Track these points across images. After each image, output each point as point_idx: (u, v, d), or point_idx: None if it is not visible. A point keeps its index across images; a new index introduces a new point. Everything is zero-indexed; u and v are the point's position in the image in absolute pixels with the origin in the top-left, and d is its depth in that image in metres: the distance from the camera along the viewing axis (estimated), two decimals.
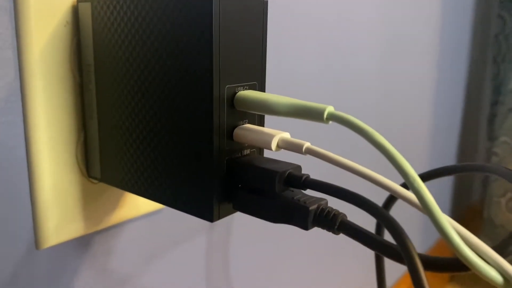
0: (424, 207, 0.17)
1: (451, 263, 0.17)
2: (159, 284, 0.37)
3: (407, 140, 0.78)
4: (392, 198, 0.26)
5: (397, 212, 0.33)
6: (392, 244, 0.18)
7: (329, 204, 0.21)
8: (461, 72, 0.95)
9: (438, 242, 0.99)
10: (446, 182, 0.99)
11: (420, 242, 0.91)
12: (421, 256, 0.17)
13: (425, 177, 0.24)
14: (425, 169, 0.79)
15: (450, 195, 1.02)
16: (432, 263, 0.17)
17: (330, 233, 0.60)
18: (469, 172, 0.24)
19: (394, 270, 0.82)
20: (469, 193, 1.14)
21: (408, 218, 0.79)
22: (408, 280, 0.83)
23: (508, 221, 0.92)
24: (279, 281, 0.52)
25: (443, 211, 0.98)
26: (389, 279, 0.81)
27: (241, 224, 0.44)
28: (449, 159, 0.97)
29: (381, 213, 0.18)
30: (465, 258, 0.17)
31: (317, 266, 0.59)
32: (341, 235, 0.21)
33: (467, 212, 1.12)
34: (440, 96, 0.86)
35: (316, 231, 0.56)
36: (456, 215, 1.07)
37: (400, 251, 0.17)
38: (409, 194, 0.18)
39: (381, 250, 0.18)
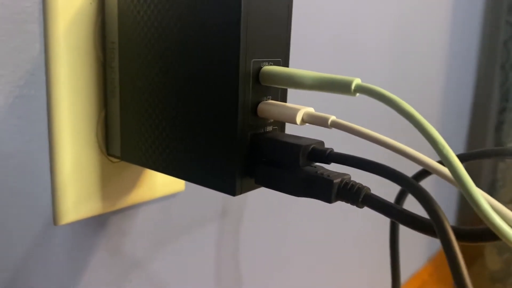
0: (457, 179, 0.17)
1: (482, 233, 0.17)
2: (169, 269, 0.37)
3: (413, 147, 0.78)
4: (422, 173, 0.26)
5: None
6: (421, 216, 0.18)
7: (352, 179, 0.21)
8: (469, 78, 0.96)
9: None
10: (453, 187, 0.98)
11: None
12: (453, 228, 0.17)
13: (461, 157, 0.24)
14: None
15: (457, 200, 1.02)
16: (464, 234, 0.17)
17: (340, 221, 0.59)
18: (500, 157, 0.24)
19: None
20: None
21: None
22: (417, 281, 0.83)
23: None
24: (288, 270, 0.52)
25: (450, 216, 0.98)
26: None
27: (252, 214, 0.44)
28: None
29: (412, 183, 0.18)
30: (495, 226, 0.17)
31: (327, 257, 0.59)
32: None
33: (474, 218, 1.12)
34: (447, 102, 0.86)
35: (328, 221, 0.56)
36: (463, 221, 1.06)
37: (432, 222, 0.17)
38: (442, 167, 0.18)
39: (409, 222, 0.18)
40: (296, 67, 0.45)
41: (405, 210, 0.19)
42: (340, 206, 0.45)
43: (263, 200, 0.45)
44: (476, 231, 0.17)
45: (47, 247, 0.28)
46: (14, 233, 0.26)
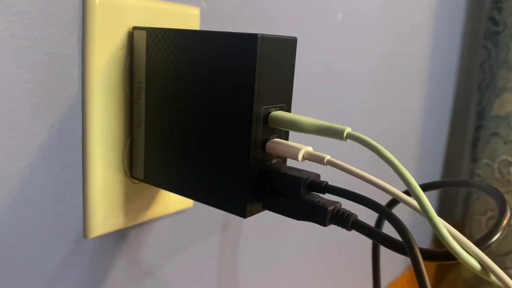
0: (423, 210, 0.22)
1: (443, 254, 0.22)
2: (177, 275, 0.41)
3: (400, 157, 0.84)
4: (393, 202, 0.31)
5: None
6: (397, 240, 0.23)
7: (342, 206, 0.26)
8: (449, 97, 1.02)
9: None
10: (430, 199, 1.04)
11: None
12: (420, 249, 0.22)
13: (423, 187, 0.30)
14: None
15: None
16: (429, 254, 0.22)
17: (331, 235, 0.64)
18: (462, 187, 0.29)
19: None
20: (452, 211, 1.20)
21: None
22: (401, 281, 0.88)
23: None
24: (282, 277, 0.57)
25: (426, 227, 1.04)
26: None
27: (250, 227, 0.49)
28: (435, 179, 1.03)
29: (388, 213, 0.23)
30: (453, 250, 0.22)
31: (318, 267, 0.64)
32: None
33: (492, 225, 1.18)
34: (427, 120, 0.92)
35: (318, 235, 0.61)
36: None
37: (404, 244, 0.22)
38: (411, 200, 0.23)
39: (388, 244, 0.23)
40: (295, 97, 0.50)
41: (385, 234, 0.24)
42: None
43: (260, 215, 0.50)
44: (438, 252, 0.22)
45: (78, 256, 0.32)
46: (52, 244, 0.31)
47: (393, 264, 0.90)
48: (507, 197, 0.90)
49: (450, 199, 1.17)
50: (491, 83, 0.95)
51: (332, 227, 0.28)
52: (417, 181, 0.22)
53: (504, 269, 0.95)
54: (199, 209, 0.41)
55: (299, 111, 0.52)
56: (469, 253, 0.22)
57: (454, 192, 1.16)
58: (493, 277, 0.22)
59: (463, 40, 1.01)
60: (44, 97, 0.29)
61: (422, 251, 0.22)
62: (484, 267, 0.22)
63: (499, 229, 0.23)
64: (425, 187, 0.30)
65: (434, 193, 1.05)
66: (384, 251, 0.70)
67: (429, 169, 0.99)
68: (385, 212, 0.23)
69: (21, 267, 0.29)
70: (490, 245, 0.23)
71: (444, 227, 0.22)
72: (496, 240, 0.23)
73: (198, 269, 0.44)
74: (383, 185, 0.24)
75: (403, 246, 0.22)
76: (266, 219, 0.51)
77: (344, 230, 0.25)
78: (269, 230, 0.53)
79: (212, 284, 0.46)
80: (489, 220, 0.97)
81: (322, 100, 0.57)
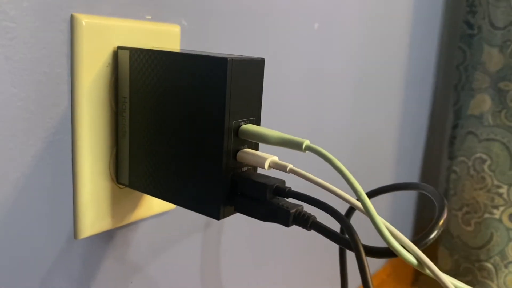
0: (367, 212, 0.25)
1: (385, 251, 0.26)
2: (163, 271, 0.45)
3: (377, 159, 0.88)
4: (352, 209, 0.35)
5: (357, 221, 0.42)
6: (347, 238, 0.27)
7: (304, 209, 0.30)
8: (427, 98, 1.06)
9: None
10: (411, 198, 1.09)
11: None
12: (364, 246, 0.26)
13: (370, 194, 0.33)
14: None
15: (414, 209, 1.13)
16: (371, 251, 0.26)
17: (305, 231, 0.68)
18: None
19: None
20: (433, 207, 1.25)
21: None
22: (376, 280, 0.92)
23: (463, 233, 1.02)
24: (262, 271, 0.60)
25: (407, 223, 1.08)
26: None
27: (229, 227, 0.52)
28: (413, 177, 1.07)
29: (338, 215, 0.26)
30: (393, 247, 0.25)
31: (295, 262, 0.68)
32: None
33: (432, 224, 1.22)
34: (406, 119, 0.96)
35: (298, 233, 0.65)
36: (420, 227, 1.17)
37: (350, 242, 0.25)
38: (358, 203, 0.27)
39: (338, 241, 0.27)
40: (277, 97, 0.53)
41: (337, 233, 0.27)
42: None
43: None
44: (380, 249, 0.26)
45: (70, 256, 0.36)
46: (45, 245, 0.34)
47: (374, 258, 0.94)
48: (481, 193, 0.94)
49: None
50: (467, 84, 1.00)
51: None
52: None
53: (478, 261, 0.99)
54: (181, 210, 0.45)
55: (279, 116, 0.55)
56: (407, 250, 0.26)
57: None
58: (427, 270, 0.25)
59: (440, 42, 1.05)
60: (37, 112, 0.32)
61: (366, 247, 0.25)
62: (420, 262, 0.25)
63: (436, 228, 0.27)
64: (376, 192, 0.34)
65: (414, 192, 1.09)
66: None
67: (407, 167, 1.03)
68: (335, 213, 0.27)
69: (17, 266, 0.33)
70: (427, 243, 0.26)
71: (385, 227, 0.25)
72: (433, 238, 0.27)
73: (182, 265, 0.47)
74: (336, 190, 0.27)
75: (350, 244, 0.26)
76: (246, 218, 0.54)
77: None
78: (249, 228, 0.56)
79: (195, 279, 0.49)
80: (465, 215, 1.01)
81: (302, 103, 0.61)
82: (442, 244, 1.08)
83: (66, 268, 0.36)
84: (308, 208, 0.30)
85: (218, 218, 0.31)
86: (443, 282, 0.25)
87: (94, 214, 0.36)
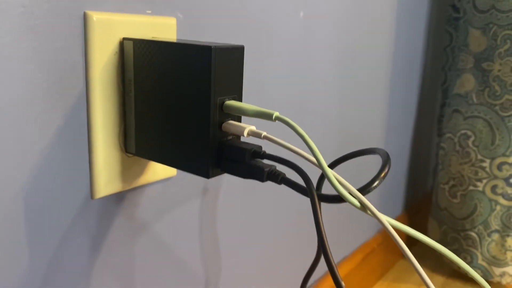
0: (320, 165, 0.32)
1: (334, 197, 0.33)
2: (166, 230, 0.52)
3: (368, 136, 0.94)
4: (322, 178, 0.42)
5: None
6: (305, 187, 0.34)
7: (277, 168, 0.37)
8: (415, 79, 1.12)
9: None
10: (402, 172, 1.15)
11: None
12: (317, 193, 0.32)
13: (335, 162, 0.40)
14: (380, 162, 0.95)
15: (406, 184, 1.19)
16: (323, 197, 0.33)
17: (292, 196, 0.75)
18: (363, 154, 0.39)
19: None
20: (425, 183, 1.31)
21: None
22: (366, 248, 1.00)
23: (450, 205, 1.09)
24: (256, 231, 0.68)
25: (399, 197, 1.15)
26: (358, 240, 0.97)
27: (226, 191, 0.60)
28: (404, 154, 1.14)
29: (300, 170, 0.33)
30: (340, 193, 0.32)
31: (289, 224, 0.75)
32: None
33: (423, 198, 1.29)
34: (394, 98, 1.02)
35: (288, 196, 0.72)
36: (413, 201, 1.24)
37: (307, 189, 0.32)
38: (312, 158, 0.33)
39: (300, 191, 0.34)
40: (266, 78, 0.60)
41: (299, 184, 0.34)
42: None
43: (234, 182, 0.61)
44: (330, 196, 0.33)
45: (87, 213, 0.43)
46: (67, 204, 0.41)
47: (366, 227, 1.01)
48: (466, 167, 1.01)
49: (423, 170, 1.28)
50: (453, 64, 1.05)
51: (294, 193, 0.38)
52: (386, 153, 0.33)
53: (464, 230, 1.06)
54: (182, 177, 0.52)
55: (265, 101, 0.62)
56: (352, 195, 0.32)
57: (425, 165, 1.27)
58: (368, 212, 0.32)
59: (429, 25, 1.11)
60: (59, 93, 0.39)
61: (319, 194, 0.32)
62: (363, 205, 0.32)
63: (378, 179, 0.33)
64: (340, 160, 0.41)
65: (406, 167, 1.15)
66: (357, 215, 0.85)
67: (398, 143, 1.09)
68: (298, 169, 0.34)
69: (44, 221, 0.40)
70: (369, 190, 0.33)
71: (334, 177, 0.32)
72: (374, 187, 0.33)
73: (184, 225, 0.55)
74: (298, 150, 0.34)
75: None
76: (238, 185, 0.62)
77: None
78: (241, 194, 0.63)
79: (195, 237, 0.57)
80: (452, 188, 1.08)
81: (289, 85, 0.67)
82: (431, 216, 1.15)
83: (85, 223, 0.43)
84: (280, 168, 0.37)
85: (207, 177, 0.38)
86: (380, 220, 0.32)
87: (107, 178, 0.43)
